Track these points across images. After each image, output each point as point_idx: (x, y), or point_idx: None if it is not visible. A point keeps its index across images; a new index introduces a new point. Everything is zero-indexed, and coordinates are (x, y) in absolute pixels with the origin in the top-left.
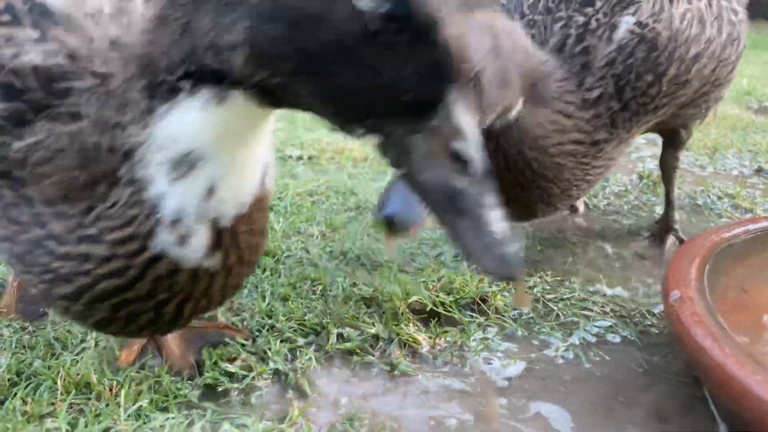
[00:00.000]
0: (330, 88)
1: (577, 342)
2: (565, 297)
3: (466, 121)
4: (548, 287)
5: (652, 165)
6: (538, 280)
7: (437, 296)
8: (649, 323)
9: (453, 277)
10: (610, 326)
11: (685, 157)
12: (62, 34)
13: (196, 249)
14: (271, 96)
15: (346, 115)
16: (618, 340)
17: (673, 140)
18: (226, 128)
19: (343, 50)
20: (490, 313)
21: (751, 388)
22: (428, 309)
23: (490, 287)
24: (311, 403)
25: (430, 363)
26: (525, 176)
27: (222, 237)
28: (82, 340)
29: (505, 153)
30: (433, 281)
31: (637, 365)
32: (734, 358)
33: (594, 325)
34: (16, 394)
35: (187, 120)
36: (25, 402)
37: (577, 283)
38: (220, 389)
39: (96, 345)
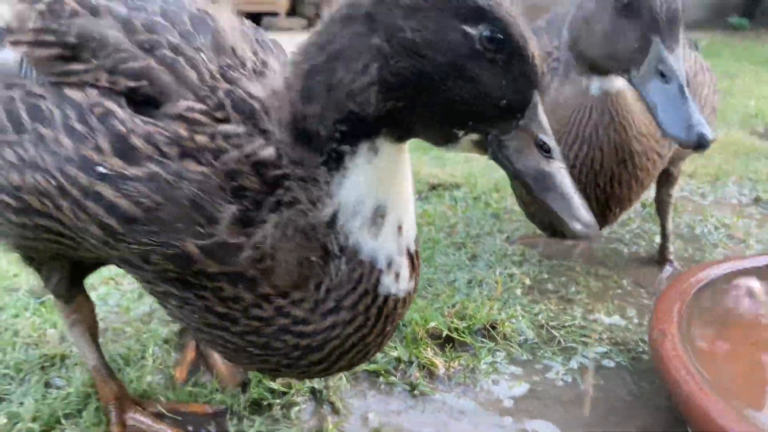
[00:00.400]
0: (443, 101)
1: (576, 366)
2: (566, 324)
3: (545, 118)
4: (552, 314)
5: None
6: (543, 307)
7: (452, 322)
8: (641, 350)
9: (466, 303)
10: (606, 353)
11: (687, 185)
12: (262, 122)
13: (405, 278)
14: (398, 127)
15: (453, 122)
16: (613, 365)
17: (666, 179)
18: (389, 172)
19: (454, 69)
20: (498, 338)
21: (712, 417)
22: (444, 334)
23: (499, 314)
24: (343, 418)
25: (445, 384)
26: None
27: (413, 259)
28: (142, 357)
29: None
30: (449, 307)
31: (628, 390)
32: (702, 389)
33: (591, 351)
34: (89, 404)
35: (362, 180)
36: (98, 411)
37: (578, 311)
38: (264, 404)
39: (153, 362)
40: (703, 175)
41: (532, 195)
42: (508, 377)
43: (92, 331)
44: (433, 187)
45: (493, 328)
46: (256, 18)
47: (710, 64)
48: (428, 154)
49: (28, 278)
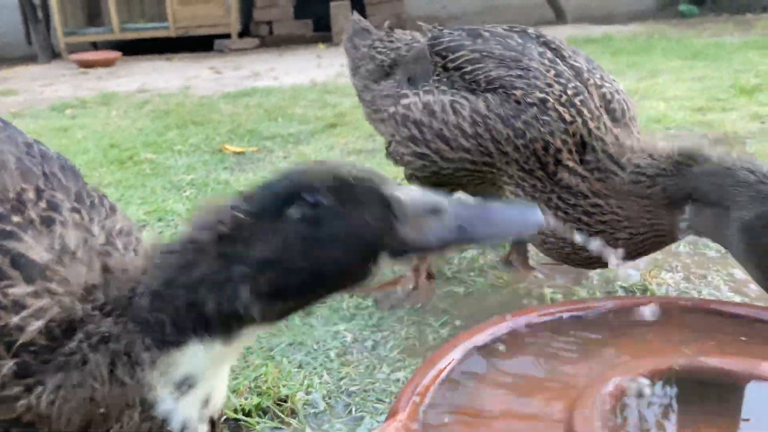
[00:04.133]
0: (317, 280)
1: None
2: (367, 389)
3: (414, 195)
4: (356, 378)
5: None
6: (352, 370)
7: (246, 399)
8: None
9: (268, 373)
10: None
11: None
12: (48, 285)
13: None
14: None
15: (344, 284)
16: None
17: None
18: (213, 359)
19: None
20: (284, 415)
21: None
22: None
23: (301, 384)
24: None
25: None
26: None
27: (215, 427)
28: None
29: None
30: (250, 381)
31: None
32: None
33: (376, 421)
34: None
35: (185, 360)
36: None
37: (386, 371)
38: None
39: None
40: None
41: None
42: None
43: None
44: None
45: (283, 402)
46: (208, 40)
47: (638, 62)
48: None
49: None
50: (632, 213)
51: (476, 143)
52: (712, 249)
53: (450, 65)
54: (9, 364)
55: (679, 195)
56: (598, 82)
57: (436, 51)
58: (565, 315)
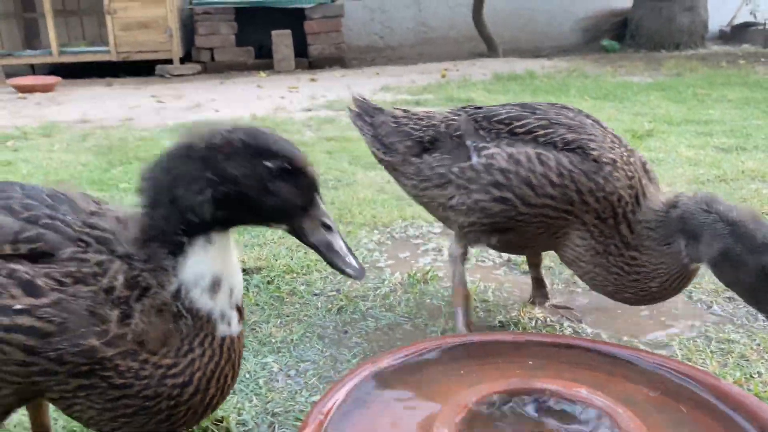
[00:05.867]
0: (257, 209)
1: None
2: (289, 409)
3: (324, 208)
4: (280, 402)
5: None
6: (277, 395)
7: None
8: None
9: None
10: None
11: None
12: (112, 246)
13: (234, 324)
14: (226, 225)
15: (267, 220)
16: None
17: None
18: (221, 254)
19: (262, 188)
20: None
21: None
22: None
23: (236, 408)
24: None
25: None
26: None
27: (240, 311)
28: None
29: None
30: None
31: None
32: None
33: None
34: None
35: (200, 261)
36: None
37: (305, 395)
38: None
39: None
40: None
41: (323, 257)
42: None
43: None
44: None
45: (219, 422)
46: (150, 64)
47: (554, 102)
48: (240, 238)
49: None
50: (657, 264)
51: (562, 192)
52: (579, 286)
53: (519, 130)
54: (117, 312)
55: (672, 236)
56: (631, 148)
57: (497, 120)
58: (444, 346)
